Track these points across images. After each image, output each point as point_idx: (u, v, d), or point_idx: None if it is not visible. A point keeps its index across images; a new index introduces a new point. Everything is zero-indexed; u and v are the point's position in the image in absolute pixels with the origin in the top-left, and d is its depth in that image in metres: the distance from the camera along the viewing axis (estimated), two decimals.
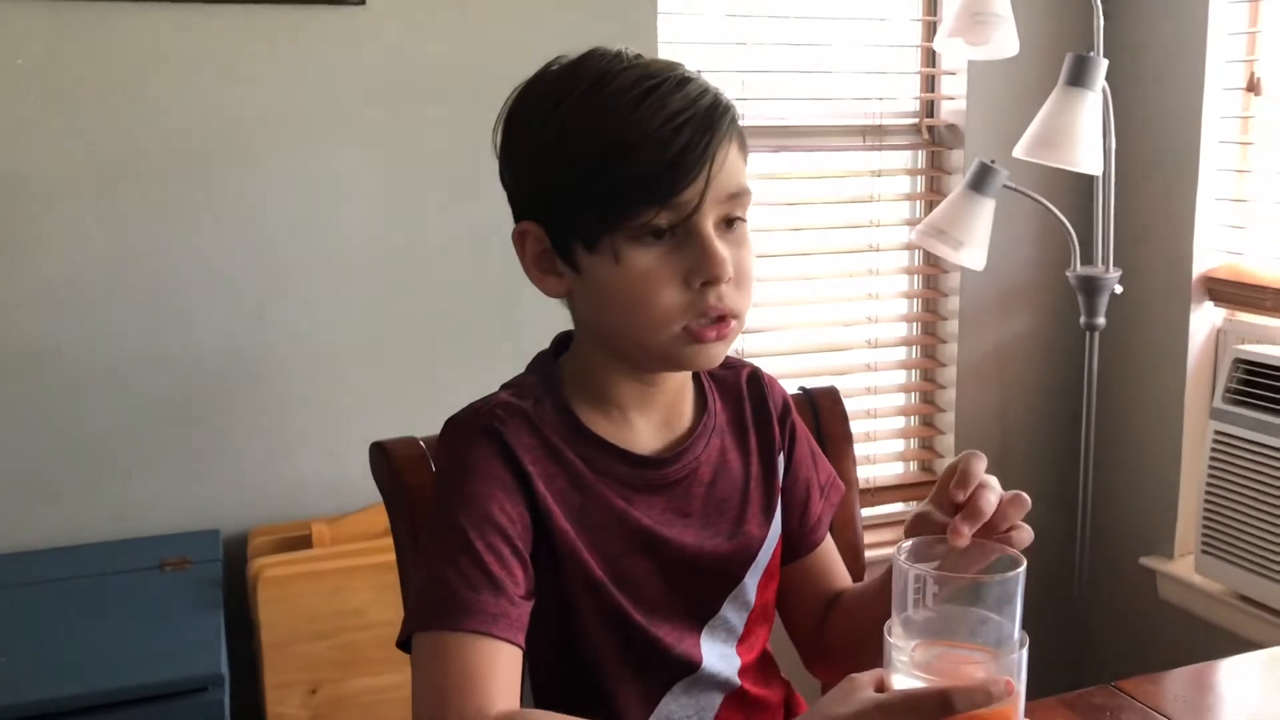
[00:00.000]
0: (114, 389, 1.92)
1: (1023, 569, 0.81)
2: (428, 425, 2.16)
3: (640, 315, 0.89)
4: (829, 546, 1.10)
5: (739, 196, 0.91)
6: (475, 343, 2.11)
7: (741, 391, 1.06)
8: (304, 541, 1.91)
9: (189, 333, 1.95)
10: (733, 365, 1.08)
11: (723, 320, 0.90)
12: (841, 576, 1.10)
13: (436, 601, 0.86)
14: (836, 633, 1.06)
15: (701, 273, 0.88)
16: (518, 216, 0.95)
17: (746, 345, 2.39)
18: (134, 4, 1.85)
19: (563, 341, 1.02)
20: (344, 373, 2.05)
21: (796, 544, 1.07)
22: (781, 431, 1.06)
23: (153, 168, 1.91)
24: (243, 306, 1.98)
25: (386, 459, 1.06)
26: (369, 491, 1.99)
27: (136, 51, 1.87)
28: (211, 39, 1.90)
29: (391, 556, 1.86)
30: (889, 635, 0.80)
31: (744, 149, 0.92)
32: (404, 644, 0.90)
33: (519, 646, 0.87)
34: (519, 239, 0.95)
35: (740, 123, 0.92)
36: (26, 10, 1.81)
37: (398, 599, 1.88)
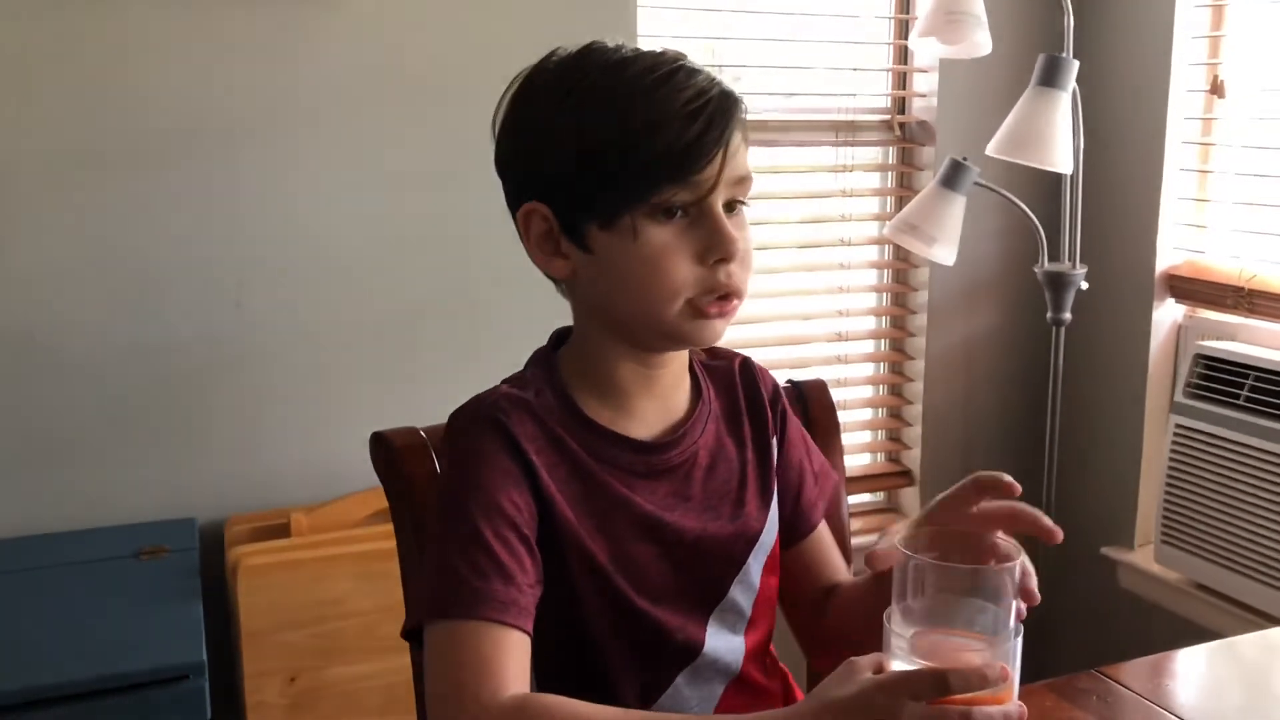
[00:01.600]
0: (89, 377, 1.91)
1: (1019, 560, 0.83)
2: (405, 414, 2.16)
3: (653, 290, 0.93)
4: (824, 534, 1.12)
5: (745, 182, 0.96)
6: (452, 333, 2.12)
7: (734, 379, 1.09)
8: (281, 530, 1.91)
9: (166, 321, 1.94)
10: (724, 355, 1.11)
11: (726, 298, 0.94)
12: (837, 566, 1.12)
13: (447, 591, 0.88)
14: (834, 625, 1.08)
15: (716, 250, 0.92)
16: (520, 199, 0.97)
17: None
18: None
19: (561, 336, 1.05)
20: (321, 362, 2.05)
21: (791, 528, 1.09)
22: (774, 416, 1.09)
23: (129, 157, 1.89)
24: (220, 295, 1.97)
25: (386, 448, 1.07)
26: (346, 480, 2.01)
27: (114, 40, 1.86)
28: (189, 28, 1.89)
29: (371, 545, 1.89)
30: (888, 622, 0.82)
31: (747, 138, 0.97)
32: (408, 633, 0.92)
33: (527, 633, 0.89)
34: (524, 220, 0.97)
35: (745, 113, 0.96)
36: None
37: (377, 588, 1.89)
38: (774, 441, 1.08)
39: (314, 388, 2.04)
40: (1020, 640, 0.81)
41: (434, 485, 1.05)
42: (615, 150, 0.90)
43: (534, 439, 0.95)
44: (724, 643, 1.02)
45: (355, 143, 2.02)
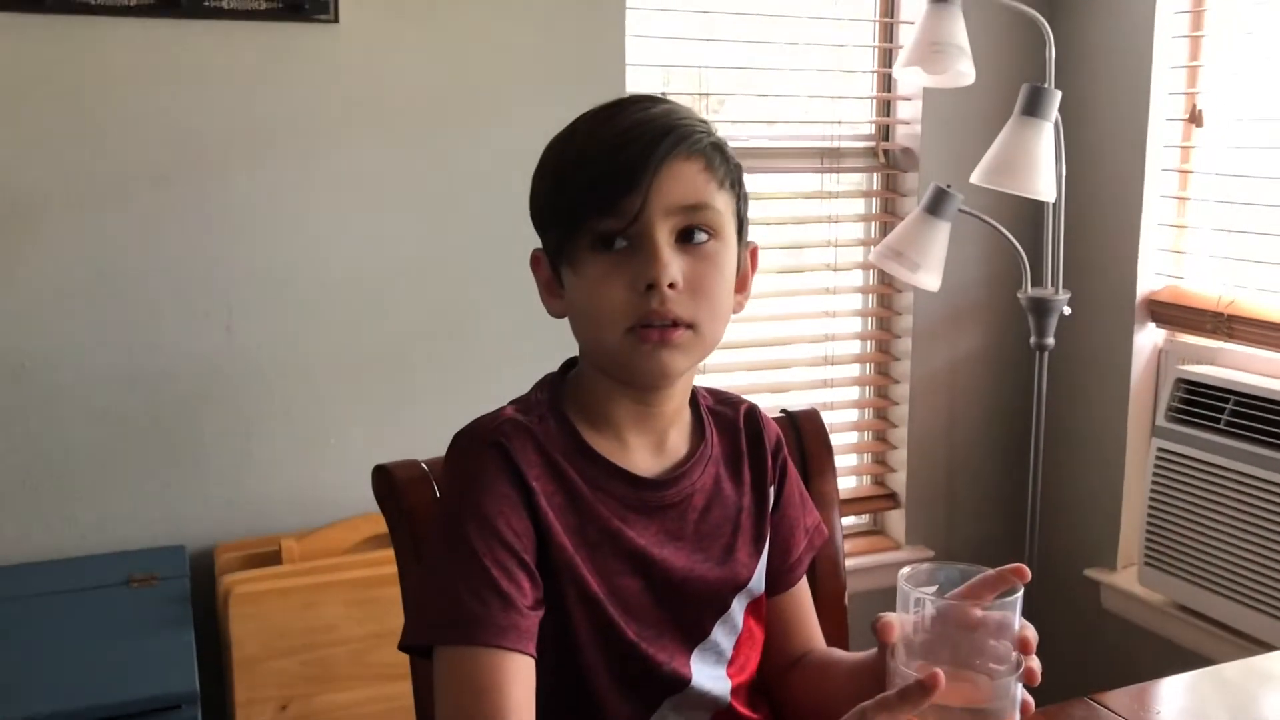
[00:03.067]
0: (80, 405, 1.91)
1: (1019, 594, 0.84)
2: (397, 439, 2.18)
3: (594, 319, 0.95)
4: (803, 593, 1.12)
5: (697, 210, 0.94)
6: (444, 359, 2.13)
7: (739, 425, 1.09)
8: (272, 557, 1.91)
9: (156, 347, 1.95)
10: (730, 401, 1.11)
11: (673, 326, 0.93)
12: (811, 630, 1.12)
13: (448, 616, 0.90)
14: (798, 691, 1.08)
15: (642, 276, 0.92)
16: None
17: (706, 361, 2.43)
18: (104, 18, 1.84)
19: (571, 365, 1.06)
20: (311, 388, 2.05)
21: (774, 580, 1.10)
22: (774, 465, 1.09)
23: (119, 184, 1.90)
24: (211, 321, 1.98)
25: (389, 481, 1.08)
26: (338, 507, 2.02)
27: (106, 66, 1.87)
28: (183, 54, 1.90)
29: (362, 572, 1.89)
30: (891, 658, 0.84)
31: (713, 168, 0.95)
32: (406, 647, 0.94)
33: (530, 655, 0.91)
34: (533, 266, 1.02)
35: (713, 145, 0.96)
36: None
37: (368, 615, 1.90)
38: (771, 490, 1.09)
39: (305, 414, 2.05)
40: (1020, 675, 0.82)
41: (433, 517, 1.06)
42: (554, 190, 0.96)
43: (534, 465, 0.96)
44: (709, 678, 1.03)
45: (348, 168, 2.03)
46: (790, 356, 2.57)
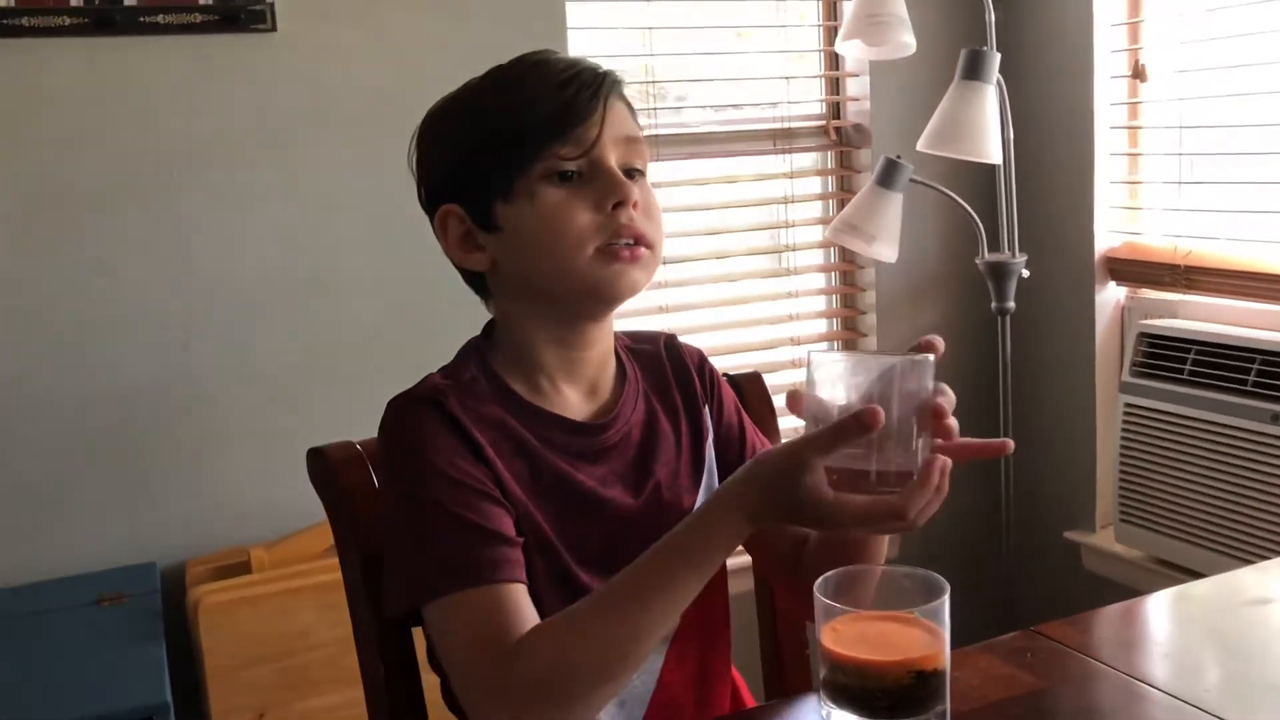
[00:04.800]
0: (42, 427, 1.91)
1: (929, 359, 0.85)
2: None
3: (558, 242, 0.97)
4: None
5: (635, 144, 1.01)
6: (401, 359, 2.11)
7: (661, 357, 1.12)
8: (243, 568, 1.91)
9: (115, 368, 1.95)
10: (648, 338, 1.14)
11: (636, 244, 0.98)
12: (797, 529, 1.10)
13: (435, 570, 0.91)
14: (811, 571, 1.07)
15: (611, 195, 0.97)
16: (436, 208, 1.03)
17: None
18: (38, 39, 1.84)
19: (491, 328, 1.08)
20: (272, 398, 2.05)
21: None
22: (703, 382, 1.12)
23: (69, 203, 1.90)
24: (167, 339, 1.98)
25: (324, 463, 1.08)
26: (305, 514, 2.00)
27: (47, 87, 1.87)
28: (122, 71, 1.90)
29: (333, 576, 1.85)
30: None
31: (633, 112, 1.03)
32: (396, 614, 0.95)
33: (523, 582, 0.92)
34: (441, 224, 1.03)
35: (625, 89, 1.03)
36: None
37: (342, 619, 1.87)
38: (706, 411, 1.11)
39: (269, 423, 2.04)
40: (947, 598, 0.82)
41: (372, 496, 1.06)
42: (500, 128, 0.97)
43: (475, 420, 0.98)
44: None
45: (295, 176, 2.03)
46: (755, 339, 2.57)
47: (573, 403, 1.04)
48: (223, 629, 1.78)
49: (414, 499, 0.94)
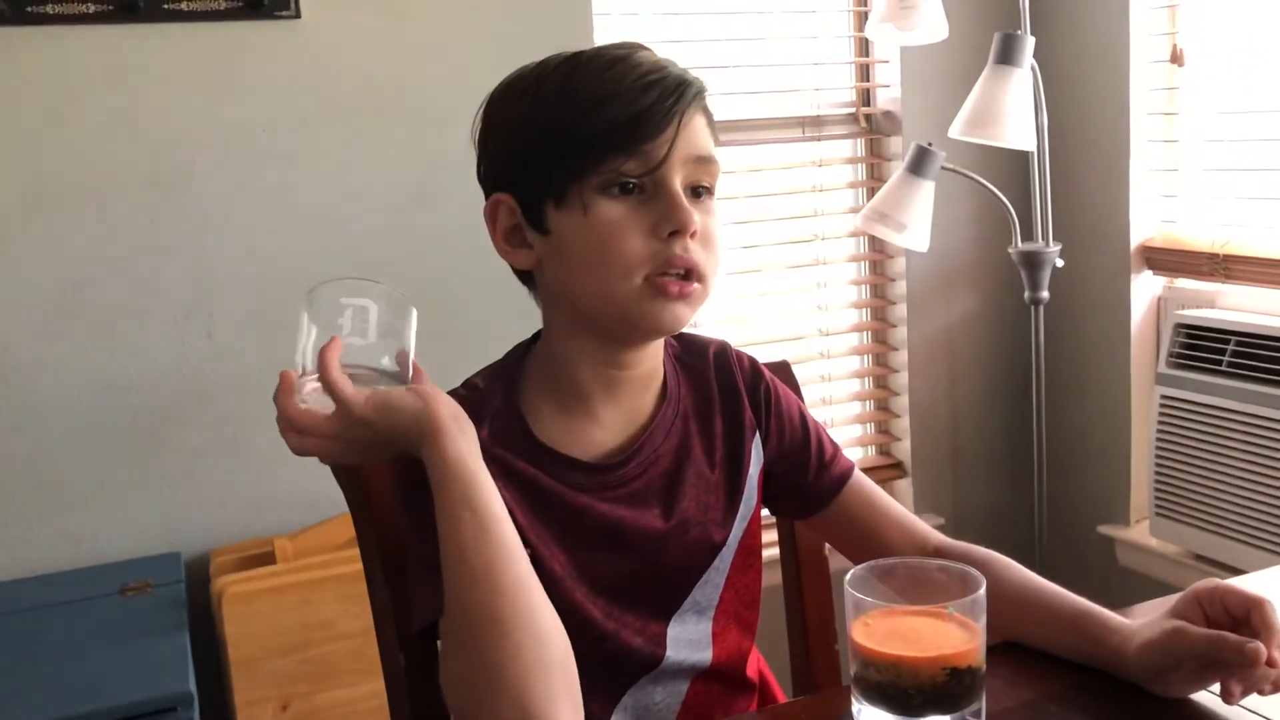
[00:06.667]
0: (66, 418, 1.90)
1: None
2: None
3: (605, 265, 0.90)
4: (860, 498, 1.07)
5: (707, 164, 0.93)
6: (426, 350, 2.10)
7: (709, 377, 1.05)
8: (267, 558, 1.90)
9: (139, 356, 1.94)
10: (698, 349, 1.07)
11: (687, 278, 0.91)
12: (891, 528, 1.06)
13: (431, 593, 0.87)
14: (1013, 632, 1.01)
15: (669, 222, 0.89)
16: (490, 194, 0.97)
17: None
18: (64, 27, 1.84)
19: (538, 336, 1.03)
20: None
21: (809, 499, 1.06)
22: (755, 406, 1.05)
23: (92, 191, 1.89)
24: (191, 328, 1.97)
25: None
26: (329, 504, 1.99)
27: (71, 76, 1.86)
28: (146, 58, 1.89)
29: (356, 567, 1.85)
30: None
31: (712, 126, 0.95)
32: (421, 630, 0.90)
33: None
34: (491, 211, 0.97)
35: (708, 105, 0.95)
36: None
37: (365, 609, 1.87)
38: (754, 440, 1.04)
39: None
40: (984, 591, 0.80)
41: (392, 489, 1.04)
42: (564, 126, 0.90)
43: (487, 456, 0.92)
44: (687, 643, 1.00)
45: (318, 163, 2.02)
46: (785, 331, 2.54)
47: (604, 427, 0.98)
48: (246, 619, 1.77)
49: (427, 525, 0.89)
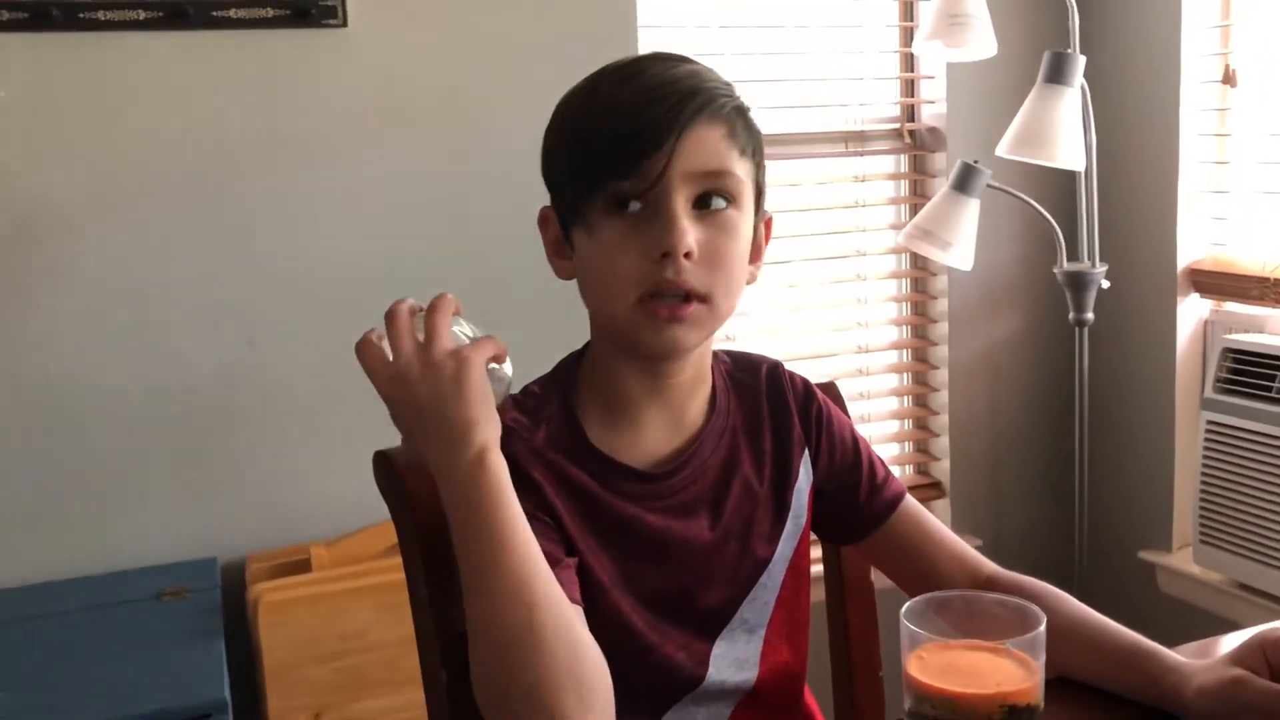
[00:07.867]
0: (107, 422, 1.91)
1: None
2: None
3: (603, 287, 0.91)
4: (911, 523, 1.05)
5: (717, 177, 0.90)
6: None
7: (759, 394, 1.04)
8: (303, 565, 1.90)
9: (181, 362, 1.94)
10: (751, 366, 1.06)
11: (686, 300, 0.89)
12: (941, 556, 1.04)
13: None
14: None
15: (658, 244, 0.88)
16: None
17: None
18: (114, 34, 1.85)
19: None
20: (335, 396, 2.03)
21: (858, 524, 1.05)
22: (805, 424, 1.04)
23: (138, 197, 1.90)
24: (233, 333, 1.97)
25: (389, 467, 1.06)
26: (366, 512, 1.99)
27: (119, 82, 1.87)
28: (193, 66, 1.90)
29: (392, 577, 1.85)
30: None
31: (735, 135, 0.91)
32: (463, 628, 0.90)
33: (578, 602, 0.87)
34: (541, 224, 0.98)
35: (737, 111, 0.92)
36: (5, 45, 1.80)
37: (400, 620, 1.86)
38: (803, 457, 1.03)
39: (331, 421, 2.03)
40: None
41: (436, 500, 1.03)
42: (576, 142, 0.91)
43: (537, 465, 0.94)
44: (732, 666, 0.99)
45: (363, 172, 2.02)
46: (824, 347, 2.52)
47: (652, 434, 0.97)
48: (281, 627, 1.77)
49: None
